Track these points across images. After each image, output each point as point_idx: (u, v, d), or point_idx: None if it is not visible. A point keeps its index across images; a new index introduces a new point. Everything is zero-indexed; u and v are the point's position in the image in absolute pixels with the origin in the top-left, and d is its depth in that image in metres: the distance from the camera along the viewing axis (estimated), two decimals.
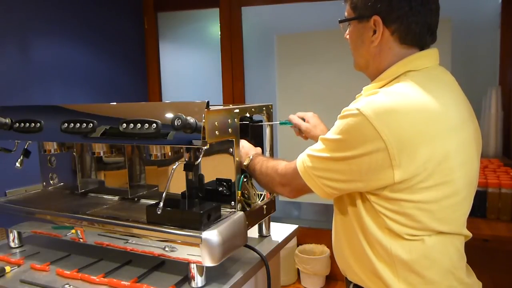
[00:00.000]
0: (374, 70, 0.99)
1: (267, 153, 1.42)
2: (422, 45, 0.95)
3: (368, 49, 0.97)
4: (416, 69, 0.92)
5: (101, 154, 1.33)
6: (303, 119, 1.36)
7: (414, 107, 0.85)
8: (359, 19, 0.96)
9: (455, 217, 0.93)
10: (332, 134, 0.90)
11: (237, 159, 1.21)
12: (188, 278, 1.10)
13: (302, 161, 0.98)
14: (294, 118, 1.37)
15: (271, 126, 1.42)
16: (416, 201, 0.87)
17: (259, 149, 1.28)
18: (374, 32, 0.94)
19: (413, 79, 0.90)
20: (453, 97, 0.93)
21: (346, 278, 1.05)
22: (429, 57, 0.95)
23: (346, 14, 1.01)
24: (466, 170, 0.92)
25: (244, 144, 1.27)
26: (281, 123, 1.41)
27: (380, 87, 0.93)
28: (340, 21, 1.02)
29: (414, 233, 0.89)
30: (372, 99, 0.86)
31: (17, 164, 1.39)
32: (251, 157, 1.21)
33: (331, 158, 0.90)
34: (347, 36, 1.03)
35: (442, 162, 0.86)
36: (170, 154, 1.19)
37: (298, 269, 2.92)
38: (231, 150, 1.20)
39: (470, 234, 0.99)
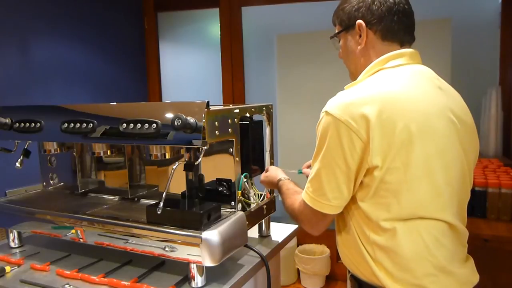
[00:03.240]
0: (361, 71, 1.05)
1: (267, 153, 1.42)
2: (401, 41, 1.04)
3: (355, 52, 1.07)
4: (388, 67, 1.00)
5: (101, 154, 1.33)
6: None
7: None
8: (346, 29, 1.08)
9: (428, 200, 0.92)
10: None
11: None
12: (188, 278, 1.10)
13: None
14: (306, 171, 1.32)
15: (271, 126, 1.42)
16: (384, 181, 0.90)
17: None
18: (360, 36, 1.05)
19: (379, 75, 0.98)
20: (424, 91, 0.96)
21: (347, 269, 1.07)
22: (402, 56, 1.02)
23: (336, 31, 1.14)
24: (436, 154, 0.92)
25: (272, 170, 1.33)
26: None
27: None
28: (331, 37, 1.14)
29: (387, 218, 0.92)
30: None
31: (17, 164, 1.39)
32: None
33: None
34: (340, 52, 1.13)
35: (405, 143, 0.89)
36: (170, 154, 1.19)
37: (298, 269, 2.92)
38: (231, 150, 1.20)
39: (454, 222, 0.96)
